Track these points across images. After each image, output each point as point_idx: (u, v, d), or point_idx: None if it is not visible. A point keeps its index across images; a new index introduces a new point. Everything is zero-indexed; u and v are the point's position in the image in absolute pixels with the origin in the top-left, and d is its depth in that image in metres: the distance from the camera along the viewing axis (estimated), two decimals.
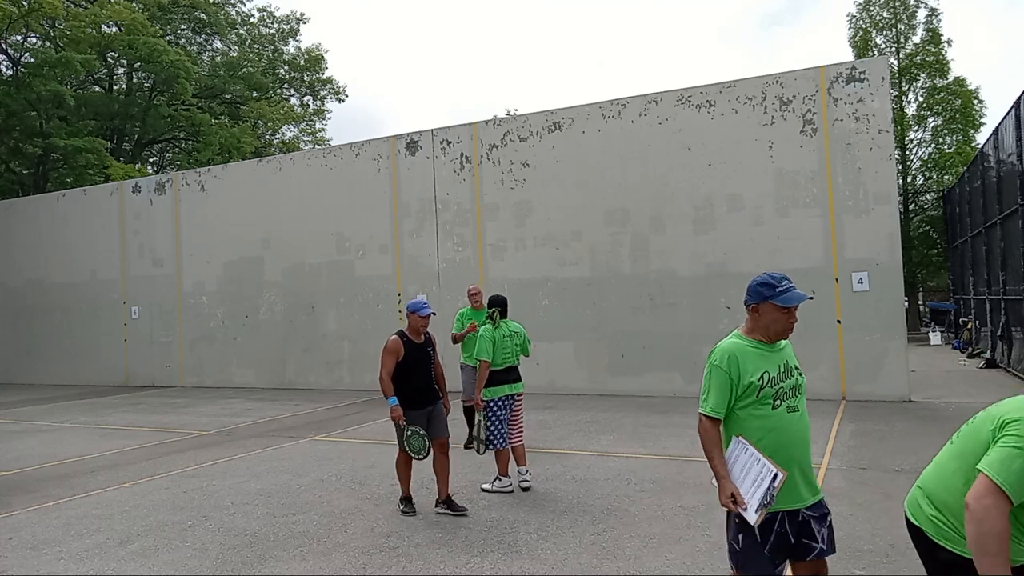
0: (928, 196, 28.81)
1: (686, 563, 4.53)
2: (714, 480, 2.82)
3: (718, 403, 2.84)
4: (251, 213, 15.88)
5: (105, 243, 17.93)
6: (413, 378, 5.70)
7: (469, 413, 7.90)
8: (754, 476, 2.71)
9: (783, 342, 2.97)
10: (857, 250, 10.85)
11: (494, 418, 6.22)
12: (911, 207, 27.99)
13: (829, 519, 2.86)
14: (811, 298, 2.80)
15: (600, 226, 12.56)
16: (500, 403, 6.25)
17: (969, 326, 18.62)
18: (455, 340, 8.18)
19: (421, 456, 5.52)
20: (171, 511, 6.14)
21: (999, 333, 14.41)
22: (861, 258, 10.82)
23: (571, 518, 5.52)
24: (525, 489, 6.32)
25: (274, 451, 8.65)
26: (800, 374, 2.94)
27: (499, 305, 6.49)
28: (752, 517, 2.69)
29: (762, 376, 2.83)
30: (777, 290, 2.85)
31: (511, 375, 6.34)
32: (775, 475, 2.66)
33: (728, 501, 2.73)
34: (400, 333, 5.79)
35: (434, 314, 6.04)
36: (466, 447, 7.92)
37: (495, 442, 6.20)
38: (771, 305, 2.85)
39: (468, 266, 13.59)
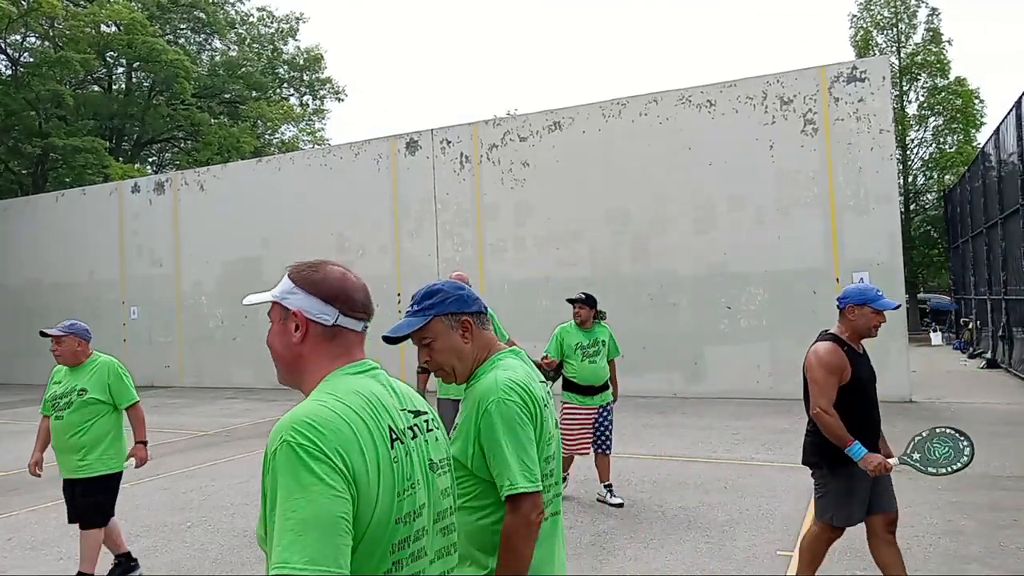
0: (929, 196, 28.84)
1: (686, 563, 4.52)
2: None
3: None
4: (250, 213, 15.86)
5: (104, 243, 17.90)
6: (861, 412, 3.46)
7: None
8: None
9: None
10: (858, 250, 10.83)
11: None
12: (912, 207, 28.00)
13: None
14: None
15: (600, 226, 12.54)
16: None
17: (970, 326, 18.60)
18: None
19: None
20: (170, 511, 6.12)
21: (1000, 333, 14.39)
22: (862, 258, 10.80)
23: (572, 518, 5.50)
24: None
25: None
26: None
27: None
28: None
29: None
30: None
31: None
32: None
33: None
34: (834, 338, 3.46)
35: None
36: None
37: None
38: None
39: (468, 266, 13.56)
